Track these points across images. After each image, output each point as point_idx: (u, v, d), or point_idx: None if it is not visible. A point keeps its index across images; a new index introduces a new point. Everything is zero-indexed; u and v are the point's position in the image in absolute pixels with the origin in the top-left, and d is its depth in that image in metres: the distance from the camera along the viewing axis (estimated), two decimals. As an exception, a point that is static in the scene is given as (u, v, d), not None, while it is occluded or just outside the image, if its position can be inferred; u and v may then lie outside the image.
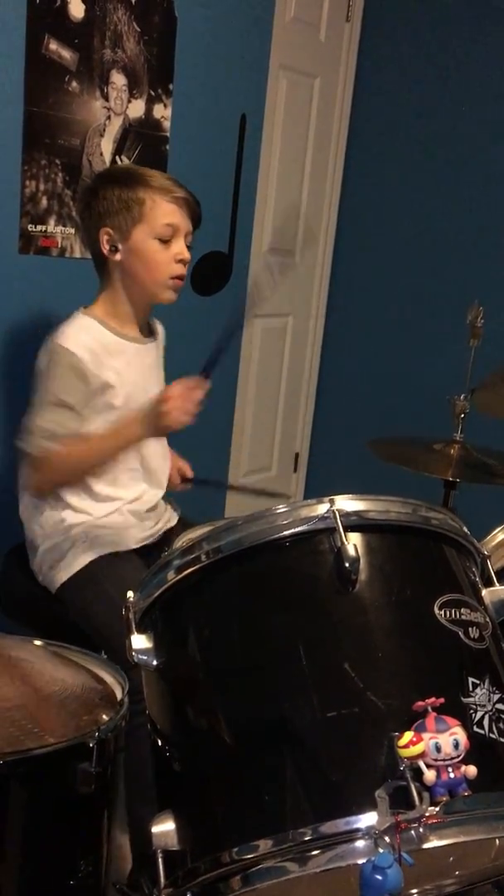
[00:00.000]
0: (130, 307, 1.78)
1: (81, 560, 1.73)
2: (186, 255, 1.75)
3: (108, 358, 1.72)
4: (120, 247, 1.72)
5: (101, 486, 1.77)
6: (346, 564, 1.05)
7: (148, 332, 1.86)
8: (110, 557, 1.74)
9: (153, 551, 1.84)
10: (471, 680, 1.03)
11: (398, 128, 3.14)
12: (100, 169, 2.20)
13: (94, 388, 1.70)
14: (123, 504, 1.80)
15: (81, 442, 1.68)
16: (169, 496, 1.96)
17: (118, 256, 1.72)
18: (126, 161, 2.27)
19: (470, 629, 1.07)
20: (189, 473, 2.01)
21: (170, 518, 1.94)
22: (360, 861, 0.91)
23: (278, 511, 1.10)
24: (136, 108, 2.28)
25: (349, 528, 1.08)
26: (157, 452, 1.86)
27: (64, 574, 1.74)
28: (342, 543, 1.06)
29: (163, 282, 1.75)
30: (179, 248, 1.73)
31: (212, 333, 2.77)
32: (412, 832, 0.92)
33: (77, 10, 2.07)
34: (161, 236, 1.71)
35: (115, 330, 1.76)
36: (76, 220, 2.18)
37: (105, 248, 1.72)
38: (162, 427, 1.63)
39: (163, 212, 1.71)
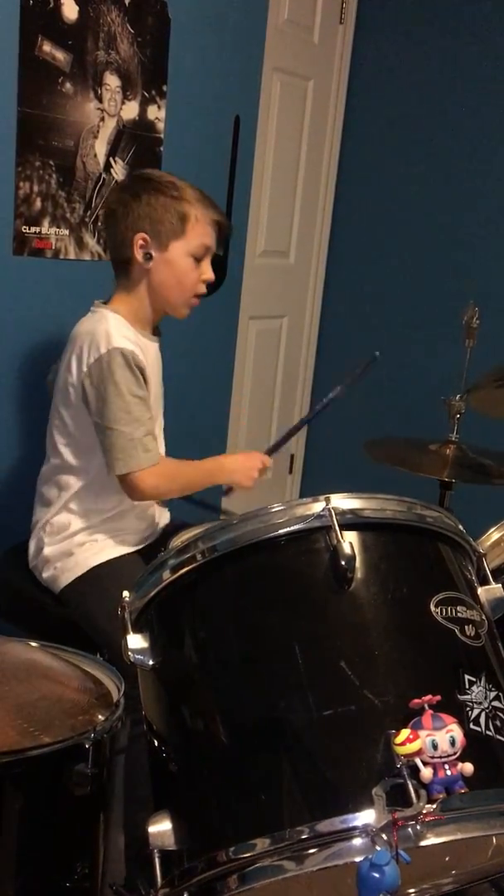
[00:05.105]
0: (150, 311, 1.79)
1: (88, 562, 1.74)
2: (212, 276, 1.78)
3: (141, 354, 1.73)
4: (154, 255, 1.71)
5: (108, 483, 1.76)
6: (342, 563, 1.05)
7: (156, 333, 1.87)
8: (116, 560, 1.75)
9: (153, 552, 1.84)
10: (467, 677, 1.03)
11: (392, 129, 3.14)
12: (94, 170, 2.20)
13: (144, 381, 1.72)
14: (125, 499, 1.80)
15: (184, 462, 1.81)
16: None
17: (150, 265, 1.72)
18: (120, 163, 2.27)
19: (466, 627, 1.07)
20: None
21: (162, 513, 1.96)
22: (357, 859, 0.91)
23: (273, 510, 1.10)
24: (130, 110, 2.28)
25: (345, 526, 1.08)
26: None
27: (70, 575, 1.74)
28: (338, 541, 1.06)
29: (187, 300, 1.78)
30: (207, 269, 1.77)
31: (205, 335, 2.78)
32: (409, 830, 0.91)
33: (70, 11, 2.07)
34: (196, 255, 1.74)
35: (138, 329, 1.77)
36: (70, 222, 2.18)
37: (137, 253, 1.71)
38: (230, 480, 1.87)
39: (203, 231, 1.73)
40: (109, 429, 1.65)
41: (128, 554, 1.79)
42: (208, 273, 1.77)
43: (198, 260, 1.74)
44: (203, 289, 1.78)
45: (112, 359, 1.64)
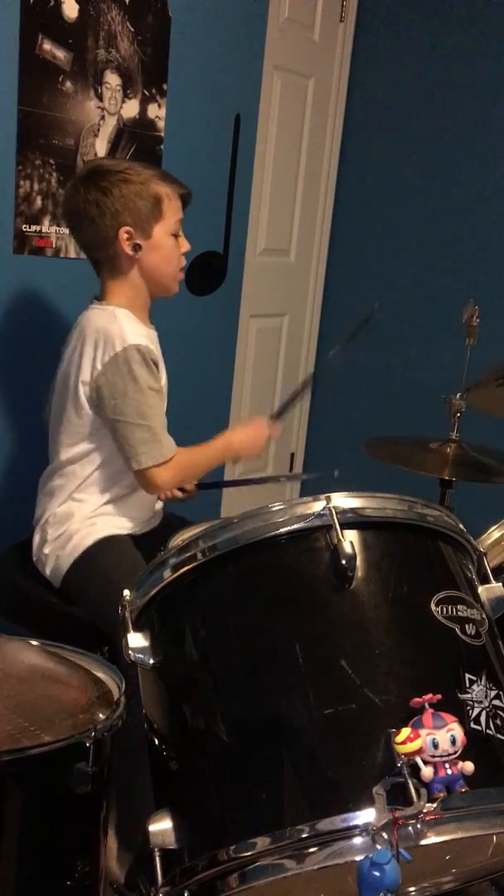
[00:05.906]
0: (147, 297, 1.81)
1: (84, 543, 1.74)
2: (189, 246, 1.82)
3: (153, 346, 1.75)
4: (142, 245, 1.73)
5: (111, 474, 1.77)
6: (343, 561, 1.05)
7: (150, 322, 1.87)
8: (108, 539, 1.75)
9: (144, 542, 1.84)
10: (468, 676, 1.03)
11: (392, 128, 3.14)
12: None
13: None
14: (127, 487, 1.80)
15: (195, 449, 1.82)
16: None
17: (139, 254, 1.73)
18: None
19: (466, 626, 1.07)
20: None
21: (156, 503, 1.96)
22: (358, 858, 0.91)
23: (274, 508, 1.11)
24: (131, 108, 2.28)
25: (345, 525, 1.08)
26: None
27: (69, 560, 1.74)
28: (338, 540, 1.06)
29: (177, 276, 1.82)
30: (183, 241, 1.80)
31: (205, 333, 2.78)
32: (410, 828, 0.92)
33: (71, 10, 2.07)
34: (174, 232, 1.77)
35: (139, 318, 1.78)
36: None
37: (125, 246, 1.72)
38: (240, 454, 1.91)
39: (176, 207, 1.76)
40: (130, 424, 1.66)
41: (121, 536, 1.79)
42: (186, 244, 1.81)
43: (175, 236, 1.78)
44: (183, 261, 1.82)
45: (129, 356, 1.66)
